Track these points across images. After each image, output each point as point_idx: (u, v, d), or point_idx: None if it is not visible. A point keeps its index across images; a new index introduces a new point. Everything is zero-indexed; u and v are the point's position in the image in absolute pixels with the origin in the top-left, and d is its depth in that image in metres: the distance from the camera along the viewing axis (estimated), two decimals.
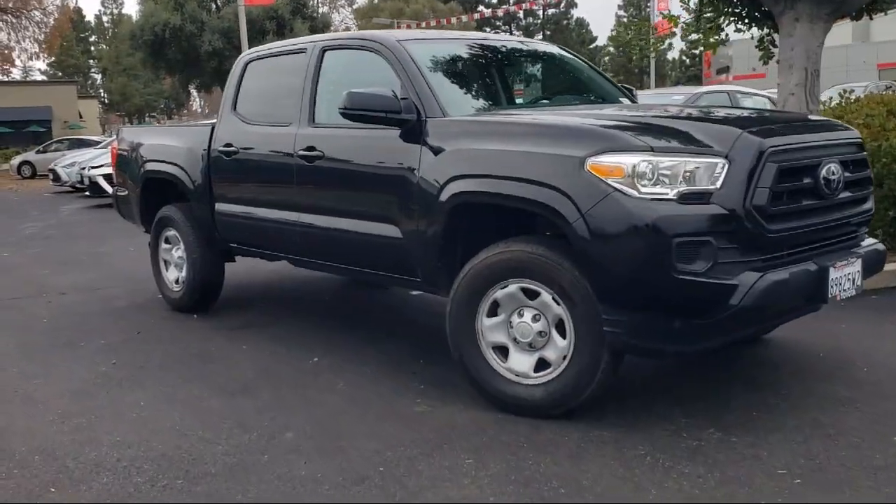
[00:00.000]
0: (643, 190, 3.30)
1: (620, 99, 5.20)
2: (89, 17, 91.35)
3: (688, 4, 7.88)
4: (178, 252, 6.27)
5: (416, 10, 57.32)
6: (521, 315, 3.74)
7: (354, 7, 71.85)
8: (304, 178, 4.91)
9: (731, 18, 7.68)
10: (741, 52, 43.94)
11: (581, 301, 3.50)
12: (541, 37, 77.67)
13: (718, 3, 7.45)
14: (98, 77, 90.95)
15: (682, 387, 4.16)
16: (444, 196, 3.95)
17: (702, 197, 3.30)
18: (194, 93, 77.48)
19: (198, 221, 5.97)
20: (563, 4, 77.83)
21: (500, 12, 62.07)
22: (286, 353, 5.04)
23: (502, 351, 3.84)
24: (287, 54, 5.41)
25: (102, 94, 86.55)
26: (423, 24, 44.42)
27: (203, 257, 6.02)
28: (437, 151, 4.05)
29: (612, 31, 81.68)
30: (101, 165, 15.98)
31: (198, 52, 42.15)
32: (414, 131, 4.21)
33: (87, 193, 16.81)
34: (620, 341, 3.45)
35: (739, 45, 40.87)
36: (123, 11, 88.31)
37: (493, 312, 3.84)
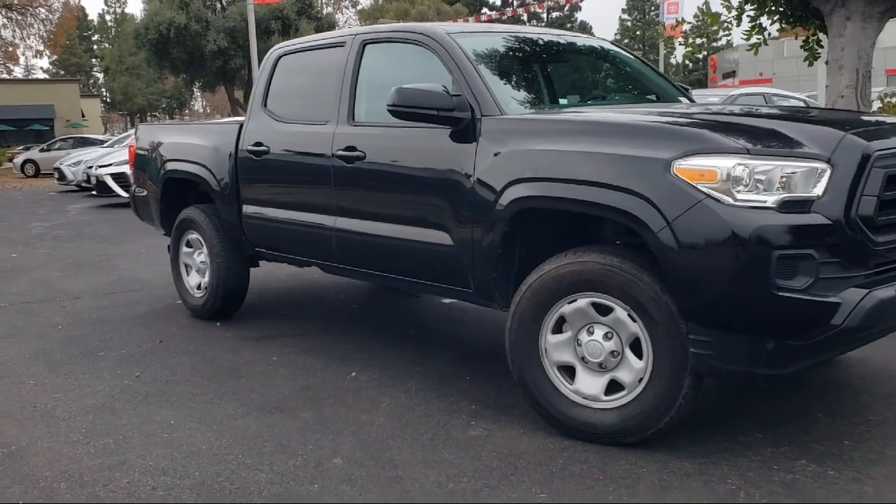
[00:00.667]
0: (739, 197, 2.98)
1: (680, 98, 4.89)
2: (92, 15, 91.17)
3: (729, 2, 7.55)
4: (200, 256, 5.96)
5: (421, 12, 57.06)
6: (590, 332, 3.43)
7: (358, 8, 71.65)
8: (343, 179, 4.60)
9: (775, 17, 7.36)
10: (747, 57, 43.70)
11: (662, 318, 3.19)
12: None
13: (765, 0, 7.13)
14: (100, 76, 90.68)
15: (757, 409, 3.84)
16: (502, 201, 3.64)
17: (802, 205, 2.99)
18: (197, 93, 77.43)
19: (223, 224, 5.66)
20: (567, 7, 77.55)
21: (503, 15, 61.83)
22: (321, 367, 4.72)
23: (568, 371, 3.53)
24: (323, 48, 5.09)
25: (105, 94, 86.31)
26: None
27: (228, 262, 5.72)
28: (494, 152, 3.74)
29: (616, 34, 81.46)
30: (109, 164, 15.69)
31: (202, 51, 41.91)
32: (467, 131, 3.90)
33: (93, 193, 16.48)
34: (707, 363, 3.14)
35: (746, 49, 40.65)
36: (127, 10, 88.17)
37: (558, 329, 3.53)
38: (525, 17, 77.15)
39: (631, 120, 3.62)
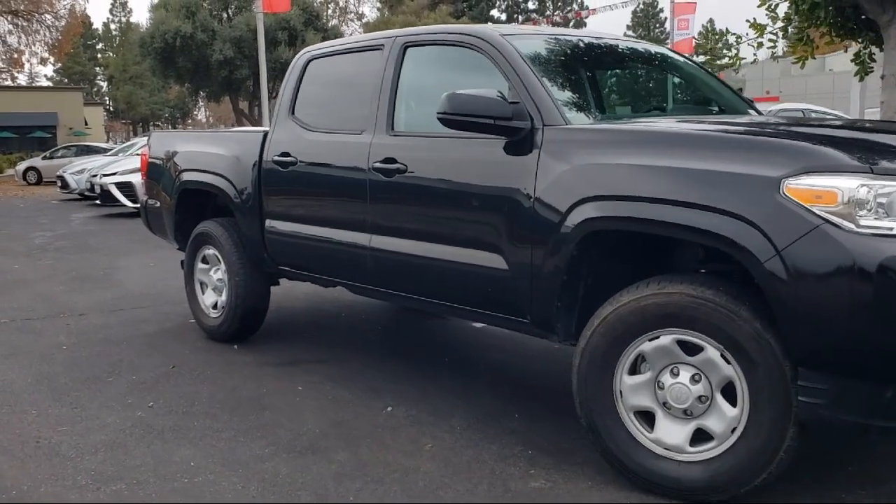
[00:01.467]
0: (863, 223, 2.57)
1: (748, 110, 4.48)
2: (97, 24, 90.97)
3: (774, 12, 7.16)
4: (217, 273, 5.55)
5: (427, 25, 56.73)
6: (674, 374, 3.01)
7: (364, 21, 71.46)
8: (380, 194, 4.19)
9: (824, 29, 6.97)
10: (754, 75, 43.52)
11: (763, 360, 2.77)
12: None
13: (813, 11, 6.73)
14: (104, 85, 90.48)
15: (852, 460, 3.42)
16: (570, 222, 3.23)
17: None
18: (200, 103, 77.18)
19: (243, 240, 5.25)
20: (571, 24, 77.41)
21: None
22: (351, 399, 4.30)
23: (647, 418, 3.11)
24: (358, 51, 4.69)
25: (108, 102, 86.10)
26: None
27: (247, 280, 5.30)
28: (559, 167, 3.33)
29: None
30: (114, 174, 15.30)
31: (208, 60, 41.67)
32: (525, 142, 3.50)
33: (97, 202, 16.06)
34: (816, 413, 2.72)
35: (753, 68, 40.36)
36: (132, 20, 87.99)
37: (636, 369, 3.11)
38: None
39: (729, 132, 3.20)
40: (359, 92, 4.51)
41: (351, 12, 75.07)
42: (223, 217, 5.53)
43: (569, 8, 75.43)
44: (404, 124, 4.24)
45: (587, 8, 73.14)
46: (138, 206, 14.71)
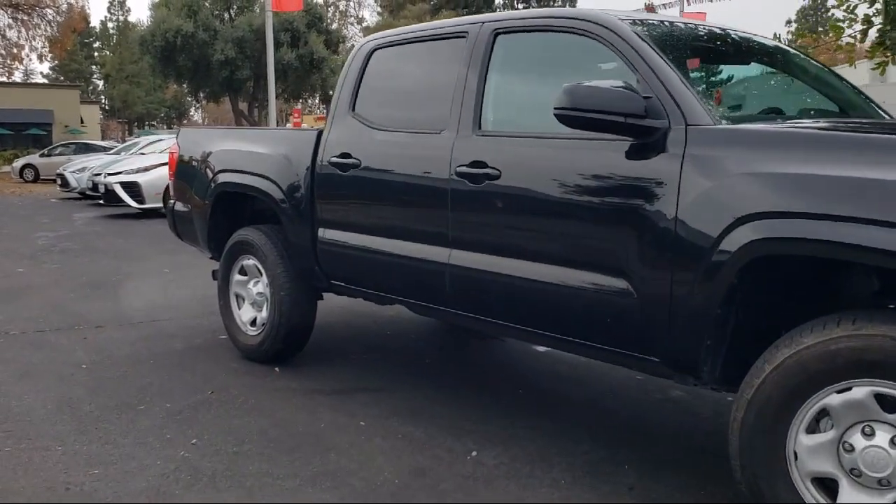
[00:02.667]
0: None
1: (881, 112, 3.93)
2: (94, 22, 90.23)
3: (853, 14, 6.62)
4: (257, 286, 4.97)
5: None
6: (867, 434, 2.43)
7: (363, 25, 71.01)
8: (464, 203, 3.62)
9: None
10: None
11: None
12: None
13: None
14: (100, 83, 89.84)
15: None
16: (729, 245, 2.67)
17: None
18: (196, 103, 76.55)
19: (291, 250, 4.68)
20: None
21: None
22: (425, 439, 3.72)
23: (827, 486, 2.53)
24: (434, 40, 4.12)
25: (104, 101, 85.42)
26: None
27: (294, 295, 4.73)
28: (711, 177, 2.77)
29: None
30: (119, 172, 14.71)
31: (209, 60, 41.10)
32: (657, 145, 2.94)
33: (100, 202, 15.45)
34: None
35: (871, 69, 39.92)
36: (130, 19, 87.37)
37: (815, 427, 2.53)
38: None
39: None
40: (437, 85, 3.96)
41: (351, 16, 74.71)
42: (266, 224, 4.95)
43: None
44: (494, 123, 3.68)
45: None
46: (144, 206, 14.26)
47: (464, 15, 57.45)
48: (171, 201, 5.80)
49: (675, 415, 4.17)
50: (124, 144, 24.23)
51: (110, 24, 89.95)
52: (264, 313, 4.92)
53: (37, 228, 12.94)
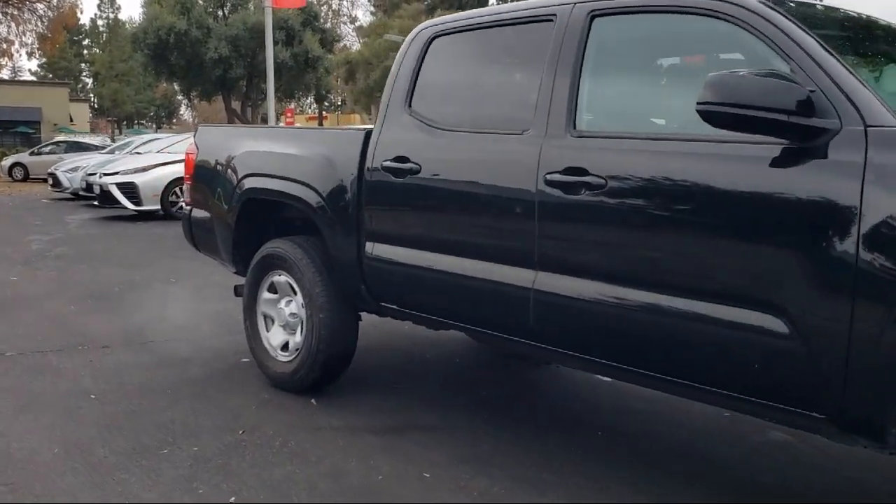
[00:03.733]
0: None
1: None
2: (84, 20, 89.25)
3: None
4: (290, 306, 4.38)
5: None
6: None
7: (357, 25, 70.36)
8: (558, 217, 3.05)
9: None
10: None
11: None
12: None
13: None
14: (89, 81, 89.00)
15: None
16: None
17: None
18: (185, 102, 75.75)
19: (332, 266, 4.11)
20: None
21: None
22: (503, 496, 3.14)
23: None
24: (510, 24, 3.54)
25: (92, 99, 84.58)
26: None
27: (334, 317, 4.15)
28: None
29: None
30: (116, 173, 14.04)
31: (202, 58, 40.43)
32: (822, 149, 2.38)
33: (95, 203, 14.79)
34: None
35: None
36: (120, 16, 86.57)
37: None
38: None
39: None
40: (516, 78, 3.40)
41: (344, 15, 74.00)
42: (301, 236, 4.36)
43: None
44: (594, 122, 3.11)
45: None
46: (141, 208, 13.61)
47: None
48: (188, 207, 5.19)
49: (781, 463, 3.60)
50: (118, 143, 23.54)
51: (100, 22, 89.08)
52: (298, 337, 4.33)
53: (29, 231, 12.28)
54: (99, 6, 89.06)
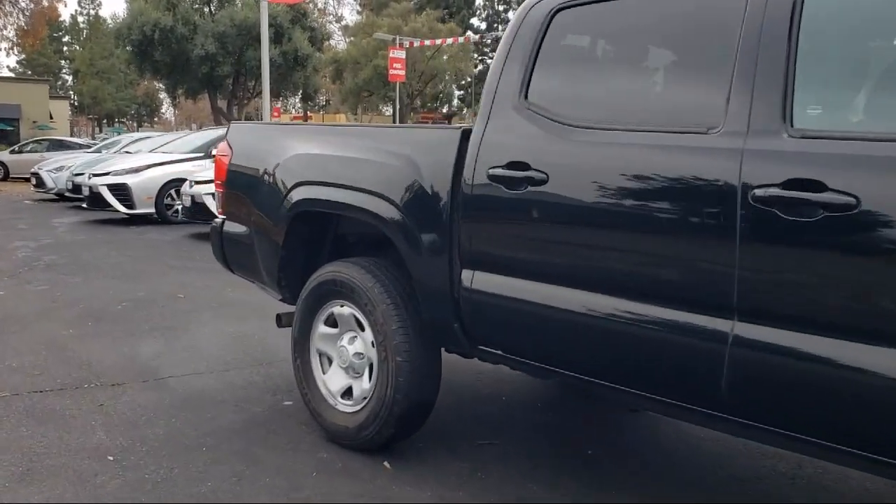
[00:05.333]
0: None
1: None
2: (64, 16, 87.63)
3: None
4: (354, 345, 3.56)
5: (414, 29, 54.87)
6: None
7: (342, 23, 69.44)
8: (775, 249, 2.24)
9: None
10: None
11: None
12: None
13: None
14: (69, 78, 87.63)
15: None
16: None
17: None
18: (167, 100, 74.52)
19: (417, 297, 3.27)
20: None
21: (484, 38, 59.91)
22: None
23: None
24: None
25: (72, 97, 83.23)
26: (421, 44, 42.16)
27: (416, 360, 3.33)
28: None
29: None
30: (106, 174, 13.10)
31: (188, 55, 39.46)
32: None
33: (84, 206, 13.86)
34: None
35: None
36: (101, 13, 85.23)
37: None
38: None
39: None
40: (692, 57, 2.57)
41: (330, 14, 72.94)
42: (370, 258, 3.54)
43: None
44: (821, 118, 2.30)
45: None
46: (133, 212, 12.69)
47: (444, 17, 55.94)
48: (219, 219, 4.35)
49: None
50: (105, 142, 22.53)
51: (80, 18, 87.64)
52: (366, 383, 3.50)
53: (14, 236, 11.33)
54: (80, 2, 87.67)
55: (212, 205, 10.52)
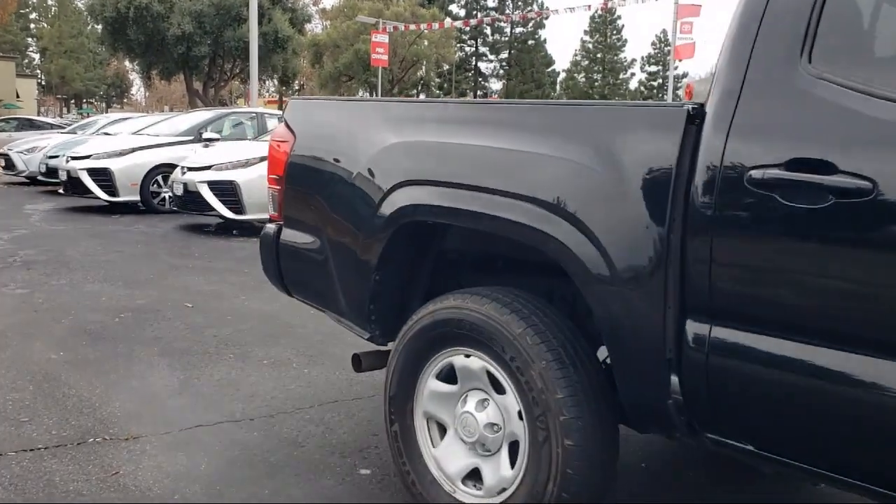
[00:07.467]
0: None
1: None
2: None
3: None
4: (486, 411, 2.53)
5: (396, 13, 53.64)
6: None
7: (320, 6, 67.84)
8: None
9: None
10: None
11: None
12: (506, 55, 75.00)
13: None
14: (36, 57, 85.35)
15: None
16: None
17: None
18: (138, 81, 72.68)
19: (593, 354, 2.23)
20: (531, 24, 75.52)
21: (468, 24, 58.71)
22: None
23: None
24: None
25: (40, 76, 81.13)
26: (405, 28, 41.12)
27: (593, 445, 2.28)
28: None
29: (575, 54, 78.57)
30: (87, 157, 11.87)
31: (163, 34, 38.10)
32: None
33: (60, 191, 12.67)
34: None
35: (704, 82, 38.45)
36: None
37: None
38: (488, 31, 74.67)
39: None
40: None
41: None
42: (506, 288, 2.50)
43: (529, 8, 73.25)
44: None
45: (547, 8, 70.84)
46: (116, 199, 11.51)
47: (423, 3, 54.84)
48: (274, 225, 3.27)
49: None
50: (80, 122, 21.17)
51: None
52: (506, 468, 2.47)
53: None
54: None
55: (208, 195, 9.42)
